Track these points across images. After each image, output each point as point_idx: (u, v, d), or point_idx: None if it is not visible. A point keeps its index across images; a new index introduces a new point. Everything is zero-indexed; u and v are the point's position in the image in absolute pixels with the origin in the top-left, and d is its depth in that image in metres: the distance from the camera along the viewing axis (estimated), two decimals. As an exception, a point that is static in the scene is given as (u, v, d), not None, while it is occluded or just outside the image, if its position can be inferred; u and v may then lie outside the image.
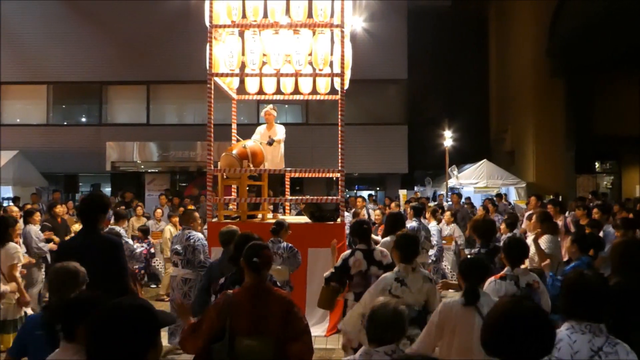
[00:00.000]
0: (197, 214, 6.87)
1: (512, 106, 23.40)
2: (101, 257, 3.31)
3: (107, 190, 20.14)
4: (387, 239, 5.75)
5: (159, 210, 10.96)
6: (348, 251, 5.38)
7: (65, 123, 20.88)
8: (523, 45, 22.07)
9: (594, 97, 20.21)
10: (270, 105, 8.63)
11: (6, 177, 15.79)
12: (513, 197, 17.78)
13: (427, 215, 9.35)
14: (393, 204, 12.93)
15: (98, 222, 3.99)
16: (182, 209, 11.56)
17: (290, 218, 8.78)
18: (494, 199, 13.75)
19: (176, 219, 9.67)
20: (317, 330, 6.79)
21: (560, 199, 14.58)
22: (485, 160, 18.66)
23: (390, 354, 2.65)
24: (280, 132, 8.31)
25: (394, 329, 2.69)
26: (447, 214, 10.49)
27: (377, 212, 11.48)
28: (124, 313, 1.82)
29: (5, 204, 13.40)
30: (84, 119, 21.30)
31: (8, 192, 15.79)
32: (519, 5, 21.93)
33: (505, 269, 4.17)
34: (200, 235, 6.48)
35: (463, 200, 14.69)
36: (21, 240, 7.23)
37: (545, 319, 2.08)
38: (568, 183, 19.71)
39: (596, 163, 21.80)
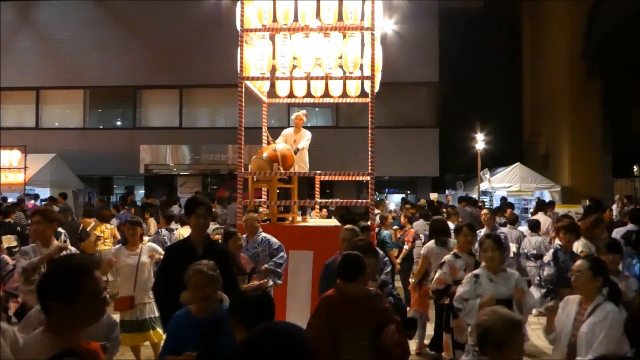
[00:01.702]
0: (254, 215, 6.37)
1: (547, 109, 22.94)
2: None
3: (140, 192, 20.51)
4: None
5: None
6: None
7: (101, 127, 21.37)
8: (558, 46, 21.61)
9: (632, 99, 19.67)
10: (303, 111, 8.57)
11: (44, 179, 16.24)
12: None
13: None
14: (408, 205, 12.74)
15: (190, 225, 4.38)
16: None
17: (319, 221, 8.79)
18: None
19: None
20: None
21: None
22: (518, 163, 18.32)
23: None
24: (304, 139, 8.34)
25: (480, 337, 2.67)
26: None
27: (402, 216, 11.37)
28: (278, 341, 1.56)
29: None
30: (119, 123, 21.76)
31: (46, 193, 16.22)
32: (554, 5, 21.48)
33: None
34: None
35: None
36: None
37: None
38: (605, 187, 19.19)
39: (634, 166, 21.19)
